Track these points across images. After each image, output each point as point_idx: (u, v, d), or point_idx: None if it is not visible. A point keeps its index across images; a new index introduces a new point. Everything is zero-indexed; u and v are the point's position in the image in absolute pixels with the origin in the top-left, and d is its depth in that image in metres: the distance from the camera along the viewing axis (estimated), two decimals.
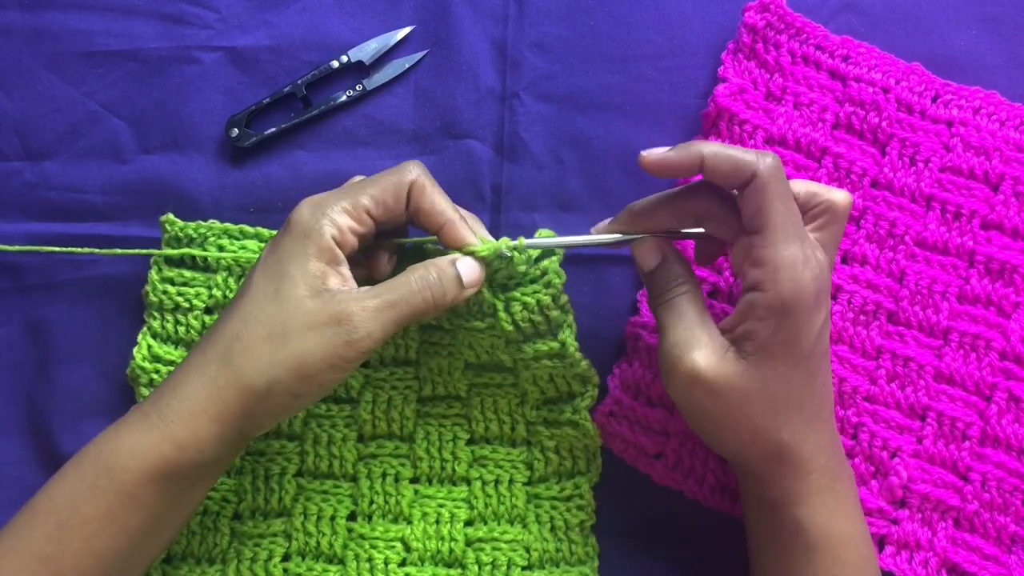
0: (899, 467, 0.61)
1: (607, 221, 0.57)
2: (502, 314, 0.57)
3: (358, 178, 0.58)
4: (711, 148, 0.52)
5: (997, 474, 0.60)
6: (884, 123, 0.64)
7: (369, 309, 0.52)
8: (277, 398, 0.52)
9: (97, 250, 0.63)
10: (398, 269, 0.56)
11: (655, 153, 0.54)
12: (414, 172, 0.55)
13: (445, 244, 0.55)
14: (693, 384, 0.53)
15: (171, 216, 0.63)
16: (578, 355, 0.59)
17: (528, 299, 0.57)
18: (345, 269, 0.53)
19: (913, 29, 0.67)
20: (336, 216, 0.53)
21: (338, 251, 0.53)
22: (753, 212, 0.51)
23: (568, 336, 0.58)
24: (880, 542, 0.61)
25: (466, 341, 0.61)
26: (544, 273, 0.56)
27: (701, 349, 0.52)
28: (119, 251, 0.63)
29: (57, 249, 0.63)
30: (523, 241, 0.56)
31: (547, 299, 0.57)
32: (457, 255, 0.55)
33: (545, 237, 0.57)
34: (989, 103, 0.65)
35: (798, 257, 0.50)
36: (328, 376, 0.52)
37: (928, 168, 0.64)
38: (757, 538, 0.57)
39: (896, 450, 0.61)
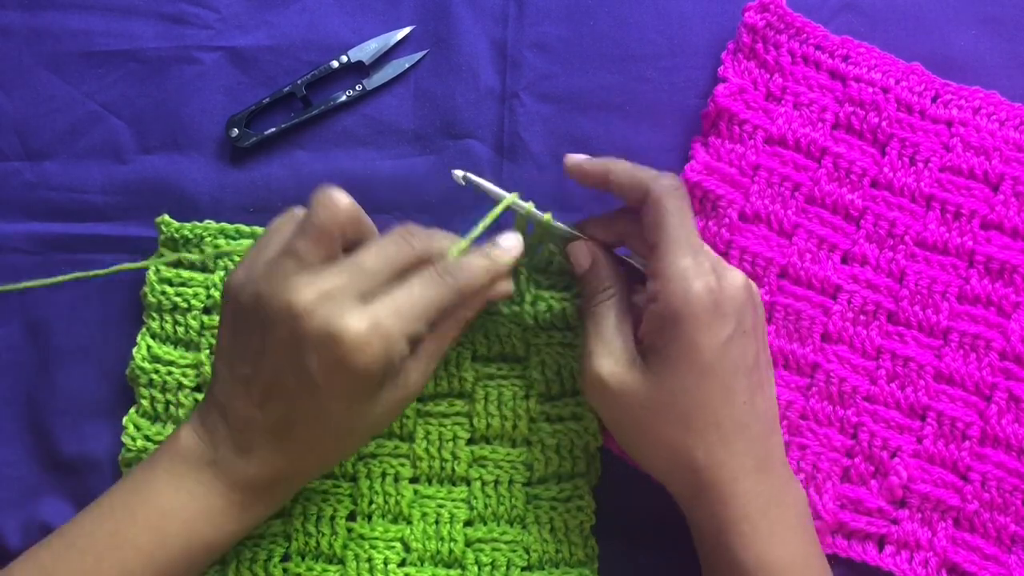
0: (899, 467, 0.61)
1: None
2: (527, 307, 0.60)
3: (335, 224, 0.52)
4: (618, 165, 0.56)
5: (997, 474, 0.60)
6: (884, 123, 0.64)
7: (429, 374, 0.55)
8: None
9: (100, 272, 0.63)
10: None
11: (575, 158, 0.57)
12: (460, 291, 0.53)
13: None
14: (601, 392, 0.54)
15: (166, 217, 0.63)
16: None
17: (555, 304, 0.60)
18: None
19: (913, 29, 0.67)
20: (406, 348, 0.51)
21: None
22: (649, 227, 0.53)
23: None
24: (880, 542, 0.61)
25: (482, 329, 0.62)
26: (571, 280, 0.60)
27: (608, 357, 0.53)
28: (126, 266, 0.63)
29: (58, 279, 0.63)
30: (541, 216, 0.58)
31: (572, 309, 0.60)
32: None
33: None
34: (989, 103, 0.65)
35: (688, 268, 0.51)
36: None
37: (928, 168, 0.64)
38: (703, 564, 0.56)
39: (896, 450, 0.61)
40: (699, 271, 0.51)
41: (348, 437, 0.54)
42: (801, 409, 0.61)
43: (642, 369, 0.53)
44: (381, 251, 0.52)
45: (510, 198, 0.57)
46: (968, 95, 0.65)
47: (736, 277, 0.53)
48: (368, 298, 0.50)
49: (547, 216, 0.58)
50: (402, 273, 0.52)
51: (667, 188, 0.53)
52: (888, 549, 0.61)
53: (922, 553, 0.60)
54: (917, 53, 0.66)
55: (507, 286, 0.57)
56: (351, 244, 0.53)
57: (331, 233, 0.51)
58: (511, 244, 0.56)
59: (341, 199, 0.51)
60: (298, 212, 0.54)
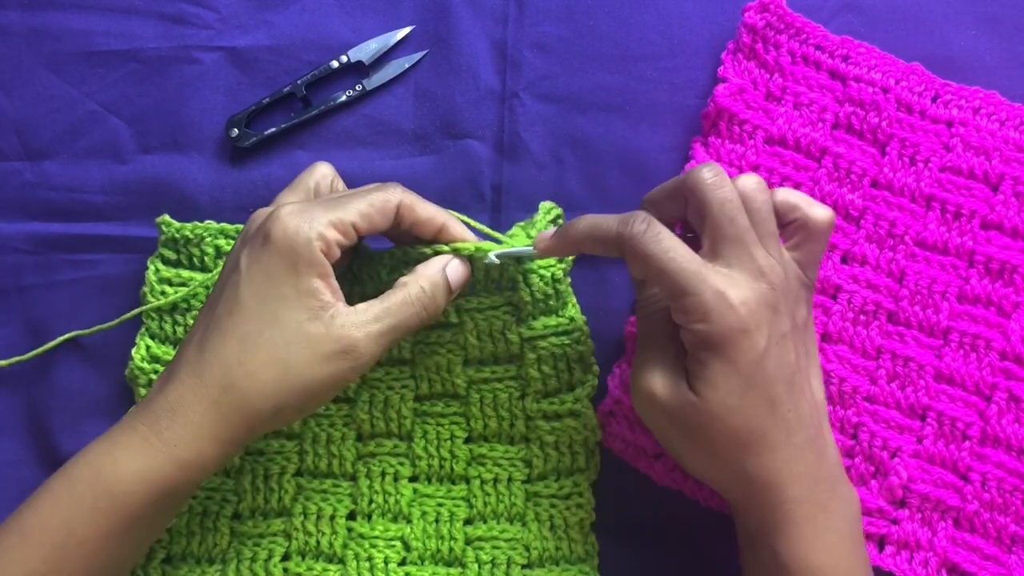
0: (899, 467, 0.61)
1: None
2: (522, 285, 0.60)
3: (312, 179, 0.58)
4: (586, 221, 0.54)
5: (997, 474, 0.60)
6: (884, 123, 0.64)
7: (372, 335, 0.53)
8: (283, 418, 0.53)
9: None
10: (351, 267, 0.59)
11: (542, 237, 0.56)
12: (399, 192, 0.56)
13: (447, 243, 0.58)
14: (651, 407, 0.53)
15: (167, 217, 0.63)
16: (586, 328, 0.61)
17: (544, 272, 0.60)
18: (333, 280, 0.53)
19: (913, 29, 0.67)
20: (324, 229, 0.52)
21: (327, 265, 0.52)
22: (652, 278, 0.51)
23: (575, 312, 0.61)
24: (880, 542, 0.61)
25: (473, 330, 0.61)
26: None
27: (660, 374, 0.52)
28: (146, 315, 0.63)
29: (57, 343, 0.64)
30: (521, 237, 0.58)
31: (560, 272, 0.60)
32: (445, 258, 0.57)
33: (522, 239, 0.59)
34: (989, 103, 0.65)
35: (704, 300, 0.49)
36: (331, 395, 0.54)
37: (928, 168, 0.64)
38: (745, 566, 0.56)
39: (896, 450, 0.61)
40: (716, 300, 0.49)
41: (257, 349, 0.51)
42: None
43: (687, 389, 0.52)
44: (355, 190, 0.56)
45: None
46: (968, 95, 0.65)
47: (757, 290, 0.51)
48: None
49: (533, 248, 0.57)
50: None
51: (638, 234, 0.51)
52: (888, 549, 0.61)
53: (922, 553, 0.60)
54: (917, 53, 0.66)
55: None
56: None
57: (306, 185, 0.58)
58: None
59: (321, 164, 0.59)
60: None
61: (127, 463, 0.51)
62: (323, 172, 0.58)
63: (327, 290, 0.52)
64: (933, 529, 0.61)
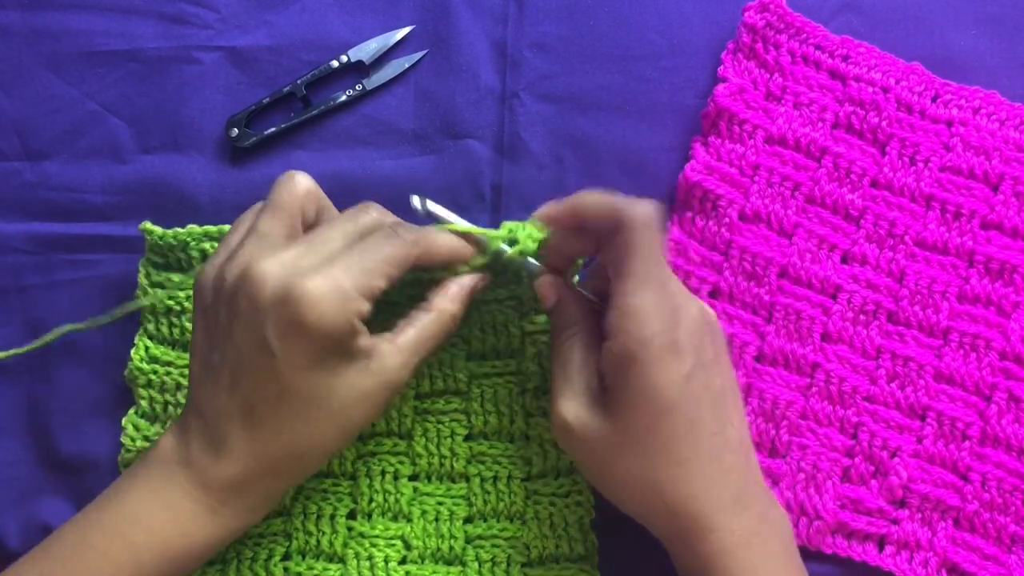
0: (899, 467, 0.61)
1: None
2: (526, 279, 0.59)
3: (296, 203, 0.54)
4: (589, 196, 0.53)
5: (997, 474, 0.60)
6: (884, 123, 0.64)
7: (411, 367, 0.53)
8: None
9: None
10: None
11: (541, 210, 0.56)
12: (415, 246, 0.53)
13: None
14: (567, 434, 0.52)
15: (148, 224, 0.62)
16: None
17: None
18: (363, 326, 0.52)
19: (913, 29, 0.67)
20: (360, 305, 0.50)
21: (362, 326, 0.51)
22: (616, 256, 0.51)
23: None
24: (880, 542, 0.61)
25: (478, 322, 0.61)
26: None
27: (572, 400, 0.52)
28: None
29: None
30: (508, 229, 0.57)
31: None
32: (470, 278, 0.56)
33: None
34: (989, 103, 0.65)
35: (648, 306, 0.49)
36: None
37: (928, 168, 0.64)
38: None
39: (896, 450, 0.61)
40: (658, 309, 0.49)
41: (318, 419, 0.51)
42: (801, 409, 0.61)
43: (605, 409, 0.51)
44: (338, 222, 0.53)
45: (493, 234, 0.57)
46: (968, 95, 0.65)
47: (692, 310, 0.52)
48: (327, 263, 0.50)
49: (515, 251, 0.56)
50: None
51: (642, 218, 0.51)
52: (888, 549, 0.61)
53: (922, 553, 0.60)
54: (917, 53, 0.66)
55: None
56: (313, 225, 0.55)
57: (291, 210, 0.53)
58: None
59: (301, 179, 0.54)
60: (259, 206, 0.55)
61: (196, 535, 0.52)
62: (306, 191, 0.54)
63: (364, 339, 0.51)
64: (933, 529, 0.61)
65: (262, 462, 0.52)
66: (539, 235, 0.56)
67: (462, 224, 0.57)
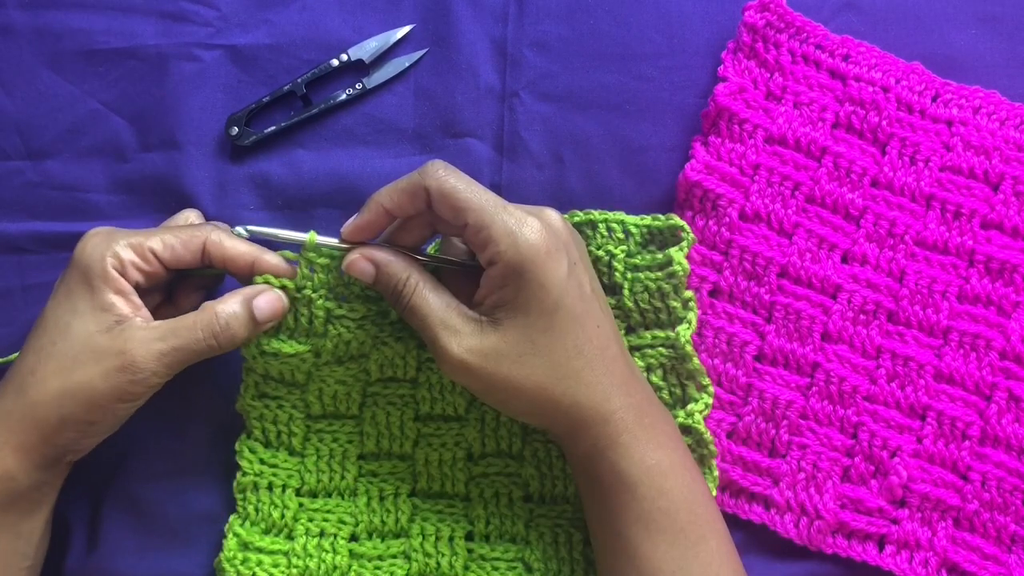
0: (899, 467, 0.60)
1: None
2: (627, 292, 0.60)
3: (185, 215, 0.63)
4: (382, 191, 0.55)
5: (997, 474, 0.60)
6: (884, 122, 0.64)
7: (153, 352, 0.54)
8: (72, 427, 0.55)
9: None
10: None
11: (346, 227, 0.56)
12: (208, 230, 0.58)
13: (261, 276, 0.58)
14: (466, 368, 0.54)
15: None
16: (689, 348, 0.60)
17: (651, 284, 0.60)
18: (134, 297, 0.56)
19: (913, 29, 0.67)
20: (119, 249, 0.55)
21: (123, 281, 0.55)
22: (449, 213, 0.53)
23: (683, 330, 0.60)
24: (880, 542, 0.61)
25: None
26: (669, 263, 0.59)
27: (453, 336, 0.54)
28: None
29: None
30: (313, 238, 0.57)
31: (668, 287, 0.60)
32: (250, 290, 0.57)
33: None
34: (989, 102, 0.65)
35: (511, 222, 0.53)
36: (119, 407, 0.55)
37: (928, 167, 0.64)
38: (585, 494, 0.57)
39: (896, 450, 0.61)
40: (521, 221, 0.53)
41: (50, 358, 0.54)
42: (801, 409, 0.61)
43: (493, 326, 0.54)
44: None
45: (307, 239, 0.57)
46: (968, 94, 0.65)
47: (552, 214, 0.55)
48: None
49: (310, 236, 0.57)
50: None
51: (439, 172, 0.54)
52: (888, 549, 0.61)
53: (922, 553, 0.60)
54: (917, 53, 0.66)
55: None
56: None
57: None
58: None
59: (209, 229, 0.58)
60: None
61: (19, 475, 0.54)
62: (207, 236, 0.58)
63: (126, 305, 0.55)
64: (933, 529, 0.60)
65: (41, 396, 0.54)
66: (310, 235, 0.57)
67: (280, 234, 0.57)
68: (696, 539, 0.54)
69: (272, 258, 0.58)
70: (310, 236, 0.57)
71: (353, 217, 0.56)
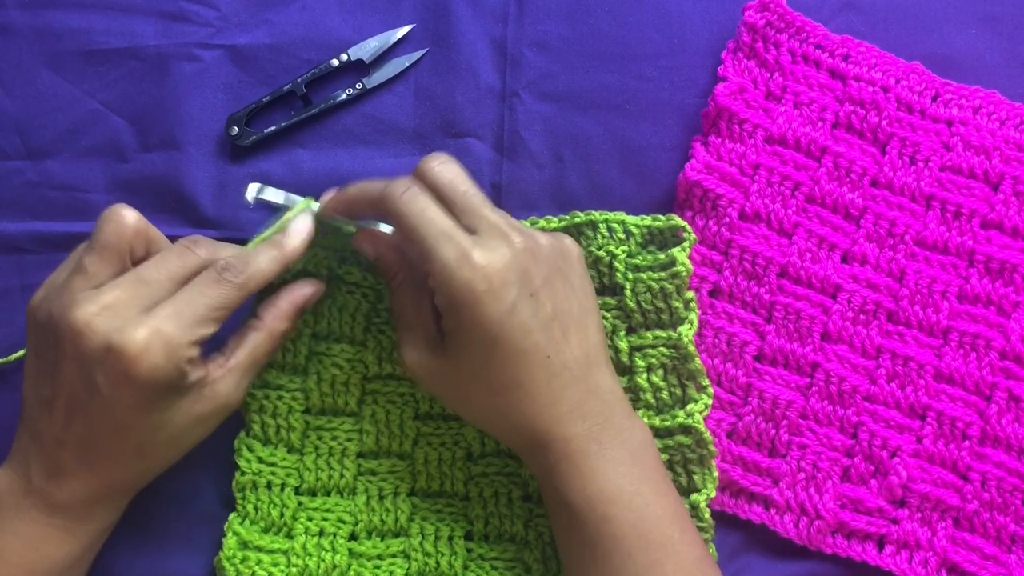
0: (899, 467, 0.60)
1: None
2: (629, 292, 0.60)
3: (123, 242, 0.54)
4: (352, 188, 0.57)
5: (997, 474, 0.60)
6: (884, 122, 0.64)
7: (244, 388, 0.56)
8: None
9: None
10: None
11: (324, 200, 0.58)
12: (243, 285, 0.54)
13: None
14: (415, 376, 0.57)
15: None
16: (692, 348, 0.60)
17: (653, 284, 0.60)
18: (197, 354, 0.53)
19: (913, 29, 0.67)
20: (188, 351, 0.51)
21: (196, 366, 0.53)
22: (402, 235, 0.54)
23: (686, 330, 0.60)
24: (880, 542, 0.61)
25: None
26: (672, 263, 0.60)
27: (412, 347, 0.56)
28: None
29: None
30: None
31: (671, 287, 0.60)
32: (295, 293, 0.59)
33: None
34: (989, 102, 0.65)
35: (448, 260, 0.52)
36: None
37: (928, 167, 0.64)
38: (550, 515, 0.58)
39: (896, 450, 0.61)
40: (460, 261, 0.51)
41: (156, 447, 0.54)
42: (801, 409, 0.61)
43: (443, 349, 0.55)
44: (162, 261, 0.53)
45: (302, 203, 0.58)
46: (968, 94, 0.65)
47: (501, 252, 0.53)
48: (151, 308, 0.51)
49: (313, 202, 0.58)
50: (187, 282, 0.53)
51: (396, 194, 0.53)
52: (888, 549, 0.61)
53: (922, 553, 0.60)
54: (917, 52, 0.66)
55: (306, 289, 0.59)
56: (144, 258, 0.55)
57: (117, 248, 0.53)
58: (299, 227, 0.57)
59: (127, 214, 0.53)
60: (86, 245, 0.55)
61: (56, 554, 0.54)
62: (134, 227, 0.54)
63: (196, 372, 0.53)
64: (933, 529, 0.60)
65: (105, 484, 0.54)
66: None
67: (281, 194, 0.58)
68: (647, 564, 0.52)
69: (290, 260, 0.57)
70: (309, 202, 0.58)
71: (337, 191, 0.58)
